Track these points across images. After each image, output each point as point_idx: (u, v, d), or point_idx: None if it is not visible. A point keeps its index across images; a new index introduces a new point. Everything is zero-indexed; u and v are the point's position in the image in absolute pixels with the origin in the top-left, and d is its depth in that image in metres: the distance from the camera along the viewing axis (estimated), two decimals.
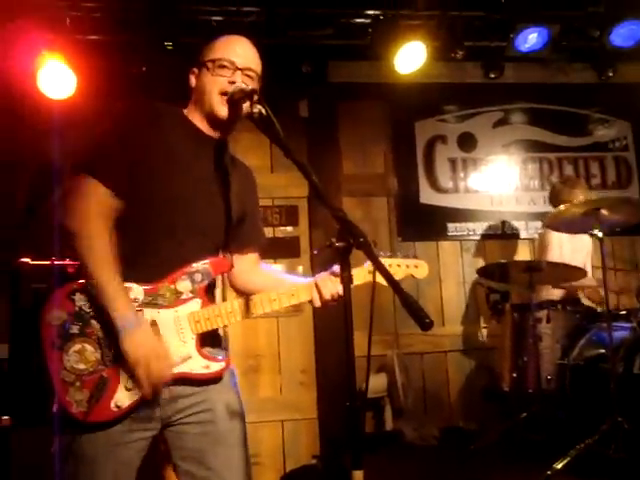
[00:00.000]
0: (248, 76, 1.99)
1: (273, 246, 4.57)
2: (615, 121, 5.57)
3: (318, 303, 1.99)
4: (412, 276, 2.14)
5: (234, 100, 1.93)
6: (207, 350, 1.95)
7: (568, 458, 3.30)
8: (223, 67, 1.97)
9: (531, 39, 4.57)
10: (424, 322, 1.51)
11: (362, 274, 2.03)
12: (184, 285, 1.92)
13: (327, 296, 1.98)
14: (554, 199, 4.57)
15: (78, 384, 1.84)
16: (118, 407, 1.84)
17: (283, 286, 2.03)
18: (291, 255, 4.76)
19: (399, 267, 2.12)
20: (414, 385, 4.75)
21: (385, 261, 2.03)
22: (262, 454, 4.48)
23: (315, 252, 2.10)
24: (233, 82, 1.95)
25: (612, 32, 4.69)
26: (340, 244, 1.63)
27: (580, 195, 4.42)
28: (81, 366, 1.84)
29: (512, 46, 4.61)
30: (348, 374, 1.60)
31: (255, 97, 1.88)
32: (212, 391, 1.95)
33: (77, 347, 1.85)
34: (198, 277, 1.94)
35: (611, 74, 5.15)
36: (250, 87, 1.92)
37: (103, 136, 1.92)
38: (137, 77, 4.32)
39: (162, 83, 3.95)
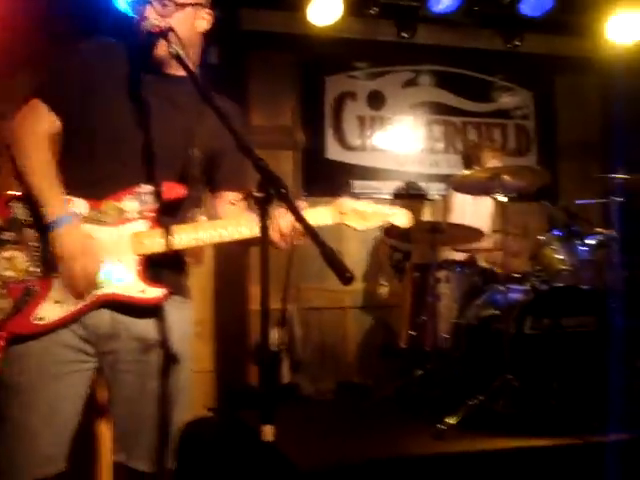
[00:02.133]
0: (164, 5, 1.87)
1: None
2: (519, 89, 5.71)
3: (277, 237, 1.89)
4: (390, 223, 2.04)
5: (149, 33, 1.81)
6: (151, 277, 1.86)
7: (460, 413, 3.42)
8: None
9: (444, 1, 4.58)
10: (344, 276, 1.49)
11: (327, 214, 1.99)
12: (131, 205, 1.85)
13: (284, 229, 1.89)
14: (466, 161, 4.66)
15: (4, 292, 1.77)
16: (40, 319, 1.77)
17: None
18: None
19: (376, 214, 2.04)
20: (313, 340, 4.79)
21: (362, 205, 2.00)
22: None
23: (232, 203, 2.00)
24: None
25: (521, 1, 4.77)
26: (259, 194, 1.57)
27: (493, 159, 4.51)
28: (8, 273, 1.78)
29: (425, 6, 4.61)
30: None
31: (169, 35, 1.78)
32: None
33: (7, 254, 1.79)
34: (147, 199, 1.86)
35: (518, 43, 5.23)
36: (163, 24, 1.81)
37: (57, 64, 1.98)
38: None
39: None
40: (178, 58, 1.76)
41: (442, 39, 5.34)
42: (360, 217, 1.98)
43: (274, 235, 1.87)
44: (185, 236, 1.88)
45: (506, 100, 5.67)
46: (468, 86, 5.55)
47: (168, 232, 1.85)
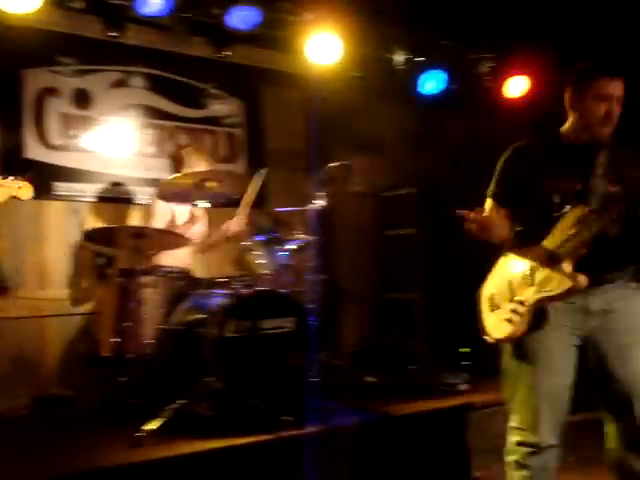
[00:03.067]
0: None
1: None
2: (230, 98, 5.85)
3: None
4: (17, 197, 1.89)
5: None
6: None
7: (160, 419, 3.40)
8: None
9: (152, 4, 4.54)
10: None
11: None
12: None
13: None
14: (173, 165, 4.64)
15: None
16: None
17: None
18: None
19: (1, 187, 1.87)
20: (8, 353, 4.42)
21: None
22: None
23: None
24: None
25: (230, 13, 4.90)
26: None
27: (199, 163, 4.54)
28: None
29: (132, 7, 4.53)
30: None
31: None
32: None
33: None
34: None
35: (228, 53, 5.34)
36: None
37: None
38: None
39: None
40: None
41: (153, 42, 5.28)
42: None
43: None
44: None
45: (217, 108, 5.78)
46: (180, 91, 5.56)
47: None
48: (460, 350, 5.40)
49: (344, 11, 5.31)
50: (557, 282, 2.58)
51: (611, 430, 2.73)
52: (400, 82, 5.97)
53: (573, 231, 2.57)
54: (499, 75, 6.15)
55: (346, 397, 4.43)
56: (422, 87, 6.00)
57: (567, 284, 2.56)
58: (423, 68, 5.97)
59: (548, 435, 2.67)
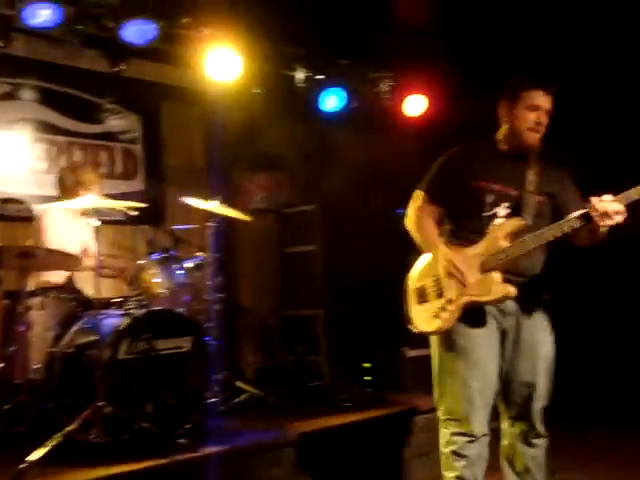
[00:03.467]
0: None
1: None
2: (127, 113, 5.73)
3: None
4: None
5: None
6: None
7: (45, 448, 3.24)
8: None
9: (41, 15, 4.38)
10: None
11: None
12: None
13: None
14: (61, 185, 4.46)
15: None
16: None
17: None
18: None
19: None
20: None
21: None
22: None
23: None
24: None
25: (125, 26, 4.79)
26: None
27: (87, 183, 4.39)
28: None
29: (20, 18, 4.35)
30: None
31: None
32: None
33: None
34: None
35: (124, 67, 5.22)
36: None
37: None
38: None
39: None
40: None
41: (44, 54, 5.11)
42: None
43: None
44: None
45: (114, 123, 5.65)
46: (74, 106, 5.40)
47: None
48: (363, 365, 5.46)
49: (243, 28, 5.30)
50: (488, 289, 2.77)
51: (507, 425, 2.97)
52: (301, 100, 6.00)
53: (506, 244, 2.77)
54: (398, 94, 6.28)
55: (246, 416, 4.39)
56: (322, 105, 6.05)
57: (498, 293, 2.76)
58: (323, 86, 6.03)
59: (482, 425, 2.83)
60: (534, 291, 2.90)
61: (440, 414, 2.94)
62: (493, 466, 2.98)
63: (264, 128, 6.20)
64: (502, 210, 2.87)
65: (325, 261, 5.74)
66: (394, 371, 5.26)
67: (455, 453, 2.84)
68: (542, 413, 2.91)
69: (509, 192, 2.88)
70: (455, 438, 2.84)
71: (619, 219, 2.61)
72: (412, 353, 5.13)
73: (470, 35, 6.01)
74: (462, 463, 2.82)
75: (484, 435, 2.85)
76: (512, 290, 2.74)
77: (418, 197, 3.03)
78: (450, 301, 2.82)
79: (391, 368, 5.28)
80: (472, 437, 2.81)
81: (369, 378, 5.33)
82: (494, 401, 2.91)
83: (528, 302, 2.88)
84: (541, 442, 2.93)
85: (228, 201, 4.81)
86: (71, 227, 4.33)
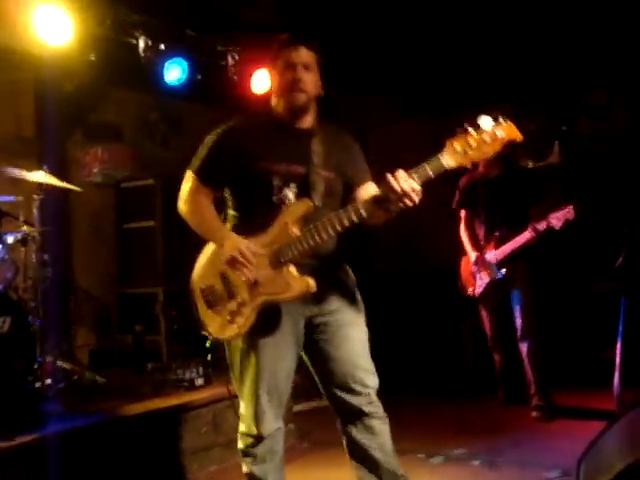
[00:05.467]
0: None
1: None
2: None
3: None
4: None
5: None
6: None
7: None
8: None
9: None
10: None
11: None
12: None
13: None
14: None
15: None
16: None
17: None
18: None
19: None
20: None
21: None
22: None
23: None
24: None
25: None
26: None
27: None
28: None
29: None
30: None
31: None
32: None
33: None
34: None
35: None
36: None
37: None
38: None
39: None
40: None
41: None
42: None
43: None
44: None
45: None
46: None
47: None
48: (205, 345, 5.34)
49: None
50: (285, 285, 2.54)
51: (340, 423, 2.79)
52: (143, 70, 5.74)
53: (297, 231, 2.53)
54: (244, 69, 6.16)
55: (73, 400, 4.16)
56: (165, 76, 5.82)
57: (297, 289, 2.54)
58: (166, 57, 5.79)
59: (270, 424, 2.66)
60: (332, 272, 2.71)
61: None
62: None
63: (102, 97, 5.90)
64: (290, 192, 2.61)
65: (165, 238, 5.56)
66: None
67: (243, 451, 2.72)
68: (372, 391, 2.73)
69: (295, 170, 2.63)
70: (243, 437, 2.72)
71: (417, 199, 2.39)
72: None
73: (310, 14, 5.99)
74: (249, 460, 2.70)
75: (274, 432, 2.68)
76: (312, 283, 2.52)
77: (190, 179, 2.68)
78: (243, 303, 2.56)
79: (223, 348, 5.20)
80: (257, 438, 2.67)
81: (208, 358, 5.23)
82: (287, 397, 2.74)
83: (328, 285, 2.67)
84: (381, 425, 2.74)
85: (60, 173, 4.53)
86: None
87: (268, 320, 2.61)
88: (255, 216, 2.63)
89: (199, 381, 4.54)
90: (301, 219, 2.55)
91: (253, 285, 2.55)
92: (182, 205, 2.71)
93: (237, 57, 6.13)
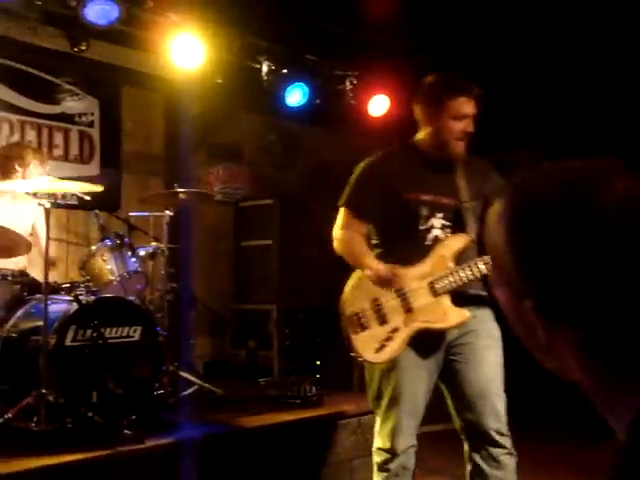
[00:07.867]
0: None
1: None
2: (85, 95, 5.58)
3: None
4: None
5: None
6: None
7: None
8: None
9: None
10: None
11: None
12: None
13: None
14: (5, 160, 4.29)
15: None
16: None
17: None
18: None
19: None
20: None
21: None
22: None
23: None
24: None
25: (87, 6, 4.65)
26: None
27: (37, 163, 4.24)
28: None
29: None
30: None
31: None
32: None
33: None
34: None
35: (84, 48, 5.05)
36: None
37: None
38: None
39: None
40: None
41: (2, 29, 4.93)
42: None
43: None
44: None
45: (71, 105, 5.49)
46: (29, 84, 5.22)
47: None
48: (316, 363, 5.43)
49: (210, 16, 5.20)
50: (442, 314, 2.62)
51: (467, 447, 2.78)
52: (264, 93, 5.93)
53: (453, 264, 2.61)
54: (362, 93, 6.26)
55: (193, 410, 4.30)
56: (286, 100, 5.99)
57: (454, 320, 2.62)
58: (288, 81, 5.96)
59: (405, 441, 2.74)
60: (475, 297, 2.73)
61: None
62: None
63: (225, 119, 6.12)
64: (437, 222, 2.69)
65: (280, 256, 5.69)
66: (344, 370, 5.23)
67: (378, 465, 2.79)
68: (503, 423, 2.70)
69: (442, 201, 2.69)
70: (379, 452, 2.79)
71: None
72: None
73: (438, 36, 6.02)
74: (385, 475, 2.76)
75: (407, 448, 2.74)
76: (468, 315, 2.61)
77: (341, 214, 2.78)
78: (397, 329, 2.61)
79: (341, 367, 5.26)
80: (392, 454, 2.73)
81: (318, 376, 5.29)
82: (422, 415, 2.77)
83: (470, 309, 2.71)
84: (508, 460, 2.70)
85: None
86: (16, 209, 4.18)
87: (413, 343, 2.67)
88: (402, 245, 2.70)
89: (313, 399, 4.60)
90: (458, 253, 2.63)
91: (408, 312, 2.63)
92: (337, 243, 2.79)
93: (355, 81, 6.24)
